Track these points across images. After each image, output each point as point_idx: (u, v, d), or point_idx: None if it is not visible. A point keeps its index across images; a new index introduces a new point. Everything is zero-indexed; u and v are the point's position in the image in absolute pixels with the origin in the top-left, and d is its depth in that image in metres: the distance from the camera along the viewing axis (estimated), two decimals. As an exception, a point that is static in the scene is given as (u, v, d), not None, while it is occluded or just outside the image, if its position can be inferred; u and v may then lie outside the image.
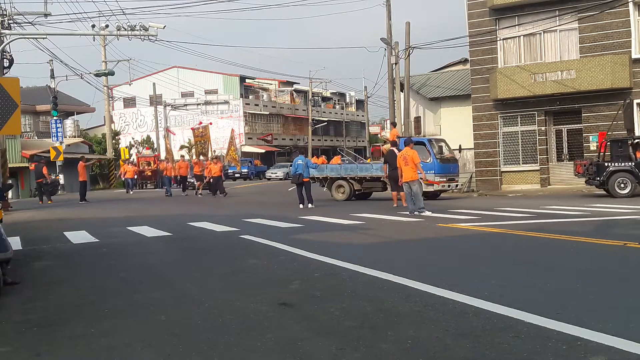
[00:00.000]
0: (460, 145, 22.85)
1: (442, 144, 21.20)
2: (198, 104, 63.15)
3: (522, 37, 24.94)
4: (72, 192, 33.99)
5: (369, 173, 20.97)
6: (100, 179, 43.92)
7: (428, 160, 19.70)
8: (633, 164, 18.52)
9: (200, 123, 37.95)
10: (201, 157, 30.53)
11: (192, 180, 30.14)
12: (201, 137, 31.60)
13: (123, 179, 35.17)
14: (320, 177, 21.82)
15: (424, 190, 19.34)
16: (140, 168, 40.13)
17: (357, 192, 21.30)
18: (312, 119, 67.16)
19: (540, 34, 24.55)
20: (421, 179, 15.46)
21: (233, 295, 6.22)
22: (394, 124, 22.19)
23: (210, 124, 39.38)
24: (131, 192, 32.83)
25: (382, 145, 21.56)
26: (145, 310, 5.73)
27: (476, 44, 25.59)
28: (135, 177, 37.95)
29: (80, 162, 26.65)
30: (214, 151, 31.96)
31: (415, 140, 20.57)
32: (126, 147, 48.40)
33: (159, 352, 4.42)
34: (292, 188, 26.07)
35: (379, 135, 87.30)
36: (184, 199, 26.24)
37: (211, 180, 26.50)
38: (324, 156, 24.19)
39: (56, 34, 24.94)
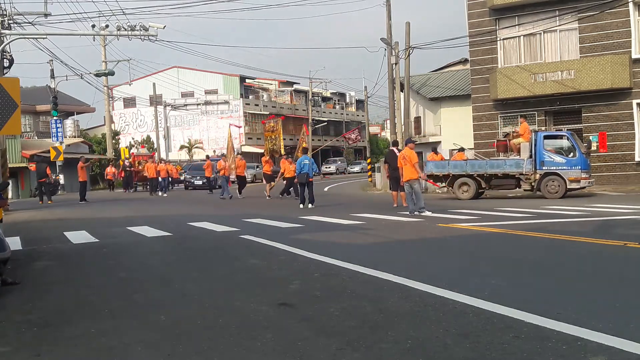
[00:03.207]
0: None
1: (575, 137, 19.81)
2: (198, 104, 63.14)
3: (522, 37, 24.96)
4: (72, 192, 33.98)
5: (500, 170, 19.46)
6: (100, 179, 43.83)
7: (571, 155, 18.72)
8: None
9: (272, 117, 35.05)
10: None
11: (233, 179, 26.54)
12: (272, 132, 29.12)
13: (155, 178, 31.41)
14: (441, 175, 20.40)
15: (568, 187, 18.61)
16: (135, 168, 37.57)
17: (480, 191, 20.13)
18: (312, 119, 67.16)
19: (540, 34, 24.57)
20: (420, 178, 15.38)
21: (233, 295, 6.22)
22: (524, 117, 21.08)
23: (283, 118, 35.86)
24: (165, 194, 30.03)
25: (511, 140, 20.37)
26: (145, 310, 5.73)
27: (476, 44, 25.61)
28: (183, 176, 34.70)
29: (80, 162, 26.66)
30: (280, 148, 29.02)
31: (557, 134, 19.68)
32: (126, 147, 48.28)
33: (159, 352, 4.42)
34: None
35: (378, 135, 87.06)
36: (186, 200, 26.25)
37: (285, 180, 23.62)
38: (441, 153, 22.38)
39: (56, 34, 24.89)
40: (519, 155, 19.71)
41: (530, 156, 19.06)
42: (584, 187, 19.14)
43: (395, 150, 17.83)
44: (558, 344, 4.18)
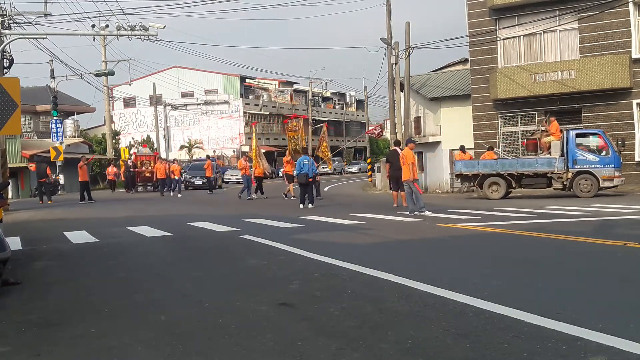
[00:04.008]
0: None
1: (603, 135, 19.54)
2: (198, 104, 63.20)
3: (522, 37, 24.94)
4: (72, 192, 33.94)
5: (532, 169, 19.29)
6: (100, 179, 43.73)
7: (603, 154, 18.69)
8: None
9: (295, 115, 34.12)
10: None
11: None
12: (295, 132, 28.53)
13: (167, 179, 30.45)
14: (470, 174, 20.25)
15: (601, 186, 18.47)
16: (139, 168, 37.05)
17: (510, 191, 20.00)
18: (312, 119, 67.17)
19: (540, 34, 24.56)
20: (415, 180, 15.27)
21: (233, 295, 6.22)
22: (553, 114, 20.83)
23: (305, 117, 35.43)
24: (179, 195, 29.16)
25: (542, 138, 20.21)
26: (145, 310, 5.73)
27: (476, 44, 25.59)
28: (183, 176, 33.74)
29: (80, 162, 26.68)
30: (303, 147, 27.53)
31: (589, 132, 19.65)
32: (126, 147, 48.24)
33: (159, 352, 4.42)
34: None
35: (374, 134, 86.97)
36: (186, 200, 26.24)
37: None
38: (470, 152, 22.02)
39: (56, 34, 24.89)
40: (549, 153, 19.56)
41: (562, 155, 18.96)
42: (616, 186, 19.01)
43: (398, 150, 17.82)
44: (558, 344, 4.18)
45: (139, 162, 36.27)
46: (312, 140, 66.92)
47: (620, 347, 4.07)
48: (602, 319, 4.73)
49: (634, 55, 22.91)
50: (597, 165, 18.67)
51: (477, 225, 11.73)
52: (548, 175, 19.18)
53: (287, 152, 27.59)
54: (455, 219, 13.11)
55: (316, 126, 68.92)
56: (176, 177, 30.65)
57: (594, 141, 19.07)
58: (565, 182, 18.97)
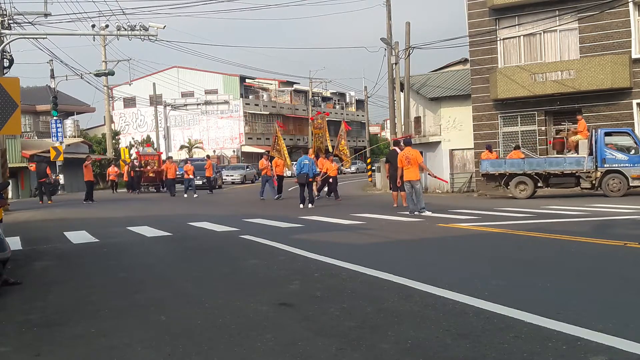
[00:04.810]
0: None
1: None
2: (198, 104, 63.20)
3: (522, 37, 24.93)
4: (72, 192, 33.94)
5: (560, 168, 19.21)
6: (100, 180, 43.62)
7: (632, 152, 18.59)
8: None
9: (319, 113, 33.04)
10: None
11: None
12: (319, 130, 27.82)
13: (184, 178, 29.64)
14: (497, 174, 20.11)
15: (630, 185, 18.36)
16: (143, 168, 36.40)
17: (536, 190, 19.85)
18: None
19: (540, 34, 24.55)
20: (433, 176, 15.27)
21: (233, 295, 6.22)
22: (580, 112, 20.68)
23: (327, 114, 34.38)
24: (195, 195, 27.92)
25: (571, 137, 20.07)
26: (145, 310, 5.73)
27: (476, 44, 25.59)
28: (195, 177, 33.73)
29: (86, 161, 26.72)
30: (325, 146, 26.87)
31: (618, 131, 19.52)
32: (126, 147, 48.18)
33: (159, 352, 4.42)
34: (292, 187, 26.10)
35: (378, 135, 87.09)
36: (187, 200, 26.24)
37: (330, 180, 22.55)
38: (495, 151, 21.77)
39: (56, 34, 24.88)
40: (577, 153, 19.45)
41: (590, 153, 18.87)
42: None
43: (397, 150, 17.79)
44: (558, 344, 4.18)
45: (142, 162, 35.79)
46: (313, 140, 66.93)
47: (620, 347, 4.07)
48: (602, 319, 4.73)
49: (634, 55, 22.90)
50: (627, 164, 18.58)
51: (477, 225, 11.73)
52: (576, 174, 19.07)
53: (311, 151, 27.15)
54: (455, 219, 13.11)
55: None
56: (190, 177, 29.44)
57: (622, 140, 19.01)
58: (594, 182, 18.83)
